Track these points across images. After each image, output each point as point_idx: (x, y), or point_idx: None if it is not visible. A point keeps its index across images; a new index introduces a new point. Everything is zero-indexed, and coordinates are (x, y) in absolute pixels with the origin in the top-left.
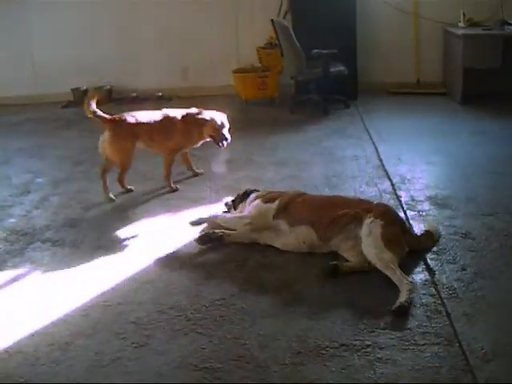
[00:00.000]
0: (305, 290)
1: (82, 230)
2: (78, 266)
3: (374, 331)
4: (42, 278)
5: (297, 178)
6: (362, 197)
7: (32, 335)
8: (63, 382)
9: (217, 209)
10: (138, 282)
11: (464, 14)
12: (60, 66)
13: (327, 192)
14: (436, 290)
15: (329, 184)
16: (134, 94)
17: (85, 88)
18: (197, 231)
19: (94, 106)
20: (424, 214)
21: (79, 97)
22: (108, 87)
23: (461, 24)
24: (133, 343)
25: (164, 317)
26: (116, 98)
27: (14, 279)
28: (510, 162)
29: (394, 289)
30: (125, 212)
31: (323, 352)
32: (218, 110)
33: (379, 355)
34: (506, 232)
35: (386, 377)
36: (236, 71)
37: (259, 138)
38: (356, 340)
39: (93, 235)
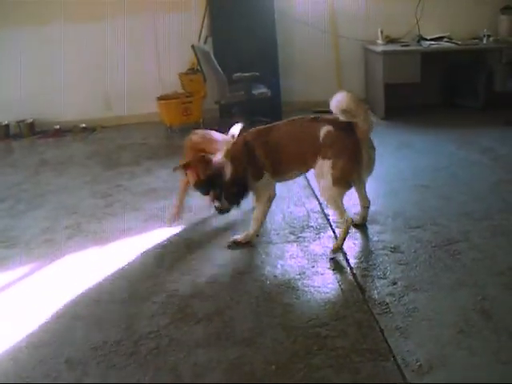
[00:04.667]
0: (237, 316)
1: (9, 268)
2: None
3: (309, 353)
4: None
5: None
6: (290, 217)
7: None
8: None
9: (147, 239)
10: (67, 319)
11: (382, 32)
12: None
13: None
14: (368, 306)
15: None
16: (57, 127)
17: (6, 123)
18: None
19: None
20: (353, 230)
21: (1, 132)
22: (30, 120)
23: (379, 41)
24: None
25: (98, 353)
26: (38, 131)
27: None
28: (433, 174)
29: (328, 308)
30: (51, 248)
31: (259, 377)
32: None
33: (316, 376)
34: (433, 243)
35: None
36: (159, 98)
37: None
38: (291, 363)
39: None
